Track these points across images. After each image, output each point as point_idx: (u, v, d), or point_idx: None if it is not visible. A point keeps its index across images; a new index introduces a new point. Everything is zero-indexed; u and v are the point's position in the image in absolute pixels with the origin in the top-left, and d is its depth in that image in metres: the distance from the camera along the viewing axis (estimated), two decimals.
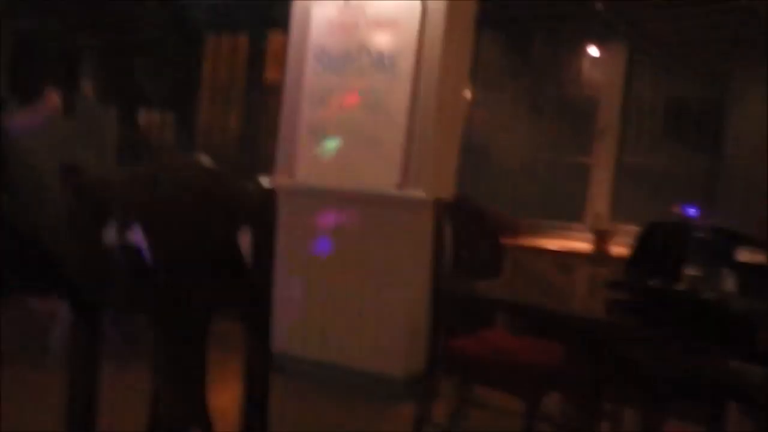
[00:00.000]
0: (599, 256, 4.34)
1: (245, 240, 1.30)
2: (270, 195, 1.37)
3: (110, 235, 1.17)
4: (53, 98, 3.54)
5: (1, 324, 3.52)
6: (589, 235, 4.55)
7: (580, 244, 4.57)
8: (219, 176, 1.36)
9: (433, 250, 2.39)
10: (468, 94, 4.69)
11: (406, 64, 3.52)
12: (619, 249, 4.12)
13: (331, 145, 3.69)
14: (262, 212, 1.34)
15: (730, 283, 1.93)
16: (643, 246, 2.27)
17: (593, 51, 5.10)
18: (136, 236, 1.20)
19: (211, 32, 5.93)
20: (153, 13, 5.75)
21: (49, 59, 3.79)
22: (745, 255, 1.98)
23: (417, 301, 3.30)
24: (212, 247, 1.29)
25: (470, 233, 2.55)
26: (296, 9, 3.84)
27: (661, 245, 2.22)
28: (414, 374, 3.31)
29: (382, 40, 3.59)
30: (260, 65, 5.78)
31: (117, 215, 1.20)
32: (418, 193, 3.44)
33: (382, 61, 3.58)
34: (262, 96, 5.69)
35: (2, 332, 3.68)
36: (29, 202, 3.45)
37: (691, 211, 4.25)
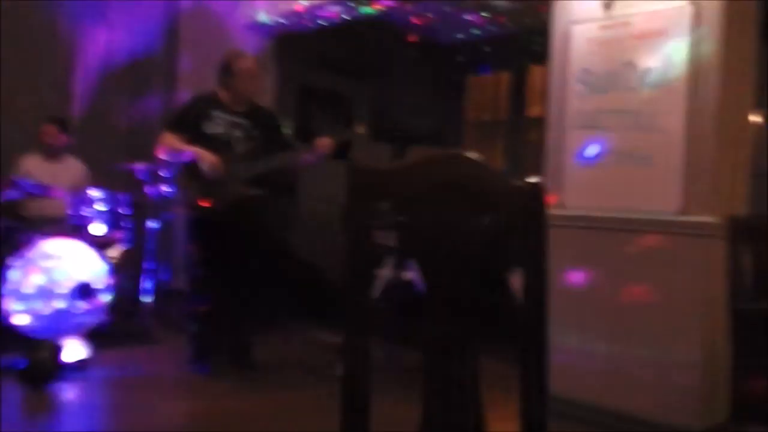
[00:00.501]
0: None
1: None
2: (539, 188, 1.29)
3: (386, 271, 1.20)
4: (329, 140, 3.94)
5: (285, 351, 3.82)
6: None
7: None
8: (486, 168, 1.33)
9: (728, 278, 2.11)
10: (757, 113, 4.17)
11: (679, 77, 3.20)
12: None
13: (601, 169, 3.49)
14: (532, 206, 1.27)
15: None
16: None
17: None
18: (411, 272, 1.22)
19: (473, 71, 6.06)
20: (418, 58, 6.03)
21: (328, 106, 4.24)
22: None
23: (712, 338, 2.95)
24: (481, 255, 1.25)
25: None
26: (556, 34, 3.74)
27: None
28: (714, 426, 2.93)
29: (649, 53, 3.32)
30: (522, 100, 5.78)
31: (387, 205, 1.24)
32: (704, 218, 3.09)
33: (651, 77, 3.31)
34: (525, 130, 5.67)
35: (287, 359, 4.02)
36: (314, 235, 3.81)
37: None
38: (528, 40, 5.08)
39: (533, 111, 5.49)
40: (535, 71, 5.48)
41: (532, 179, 1.73)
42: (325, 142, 3.96)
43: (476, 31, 5.55)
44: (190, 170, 3.94)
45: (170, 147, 3.98)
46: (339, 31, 5.72)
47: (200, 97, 4.12)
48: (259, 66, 4.02)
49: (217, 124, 3.92)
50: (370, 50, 5.90)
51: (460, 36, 5.67)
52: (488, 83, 5.93)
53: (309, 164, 4.10)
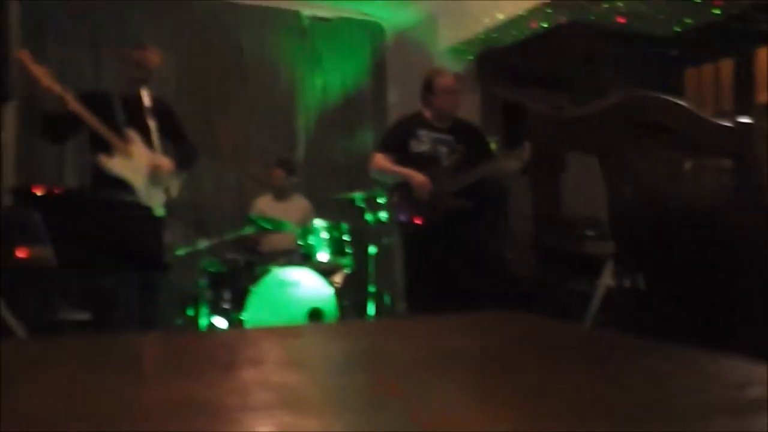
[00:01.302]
0: None
1: None
2: (750, 128, 1.15)
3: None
4: (526, 149, 3.86)
5: None
6: None
7: None
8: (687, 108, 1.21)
9: None
10: None
11: None
12: None
13: None
14: (742, 147, 1.13)
15: None
16: None
17: None
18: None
19: (690, 63, 5.61)
20: (626, 58, 5.72)
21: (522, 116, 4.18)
22: None
23: None
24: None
25: None
26: None
27: None
28: None
29: None
30: (749, 86, 5.22)
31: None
32: None
33: None
34: (755, 118, 5.10)
35: None
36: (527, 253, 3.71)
37: None
38: (754, 19, 4.61)
39: (762, 97, 4.93)
40: (762, 54, 4.93)
41: (743, 119, 1.54)
42: (527, 153, 3.90)
43: (689, 20, 5.15)
44: (401, 190, 4.06)
45: (380, 168, 4.13)
46: (540, 42, 5.62)
47: (405, 118, 4.24)
48: (458, 82, 4.04)
49: (423, 142, 4.00)
50: (574, 58, 5.72)
51: (670, 27, 5.30)
52: (708, 73, 5.44)
53: (509, 172, 4.02)
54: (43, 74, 3.45)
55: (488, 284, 4.13)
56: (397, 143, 4.09)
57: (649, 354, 0.83)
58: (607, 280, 3.40)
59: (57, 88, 3.51)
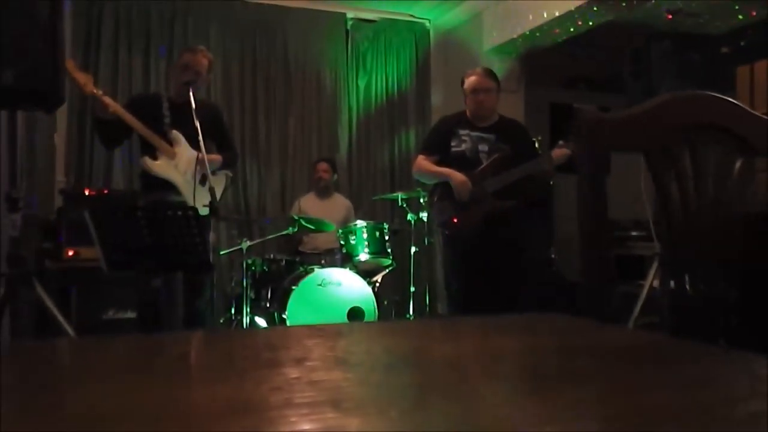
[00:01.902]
0: None
1: None
2: None
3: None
4: (565, 149, 3.83)
5: None
6: None
7: None
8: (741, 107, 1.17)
9: None
10: None
11: None
12: None
13: None
14: None
15: None
16: None
17: None
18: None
19: (743, 61, 5.47)
20: (675, 58, 5.61)
21: (568, 116, 4.09)
22: None
23: None
24: None
25: None
26: None
27: None
28: None
29: None
30: None
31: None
32: None
33: None
34: None
35: None
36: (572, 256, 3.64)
37: None
38: None
39: None
40: None
41: None
42: (559, 152, 3.82)
43: (741, 17, 5.02)
44: (442, 191, 4.04)
45: (421, 169, 4.12)
46: (587, 41, 5.55)
47: (448, 118, 4.21)
48: (488, 81, 3.98)
49: (464, 142, 3.97)
50: (620, 58, 5.62)
51: (721, 25, 5.17)
52: (760, 70, 5.29)
53: (550, 172, 3.95)
54: (86, 81, 3.55)
55: (531, 285, 4.08)
56: (438, 143, 4.07)
57: (704, 357, 0.80)
58: (652, 281, 3.34)
59: (99, 93, 3.61)
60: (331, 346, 0.87)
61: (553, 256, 5.78)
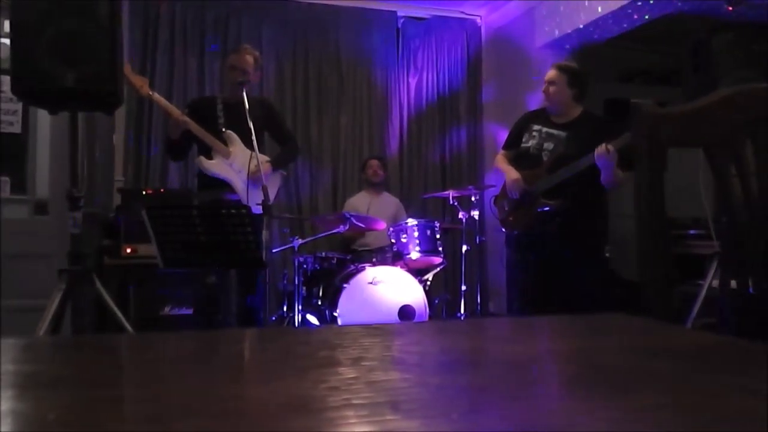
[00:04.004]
0: None
1: None
2: None
3: None
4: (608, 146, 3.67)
5: None
6: None
7: None
8: None
9: None
10: None
11: None
12: None
13: None
14: None
15: None
16: None
17: None
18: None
19: None
20: (738, 48, 5.43)
21: (624, 112, 3.97)
22: None
23: None
24: None
25: None
26: None
27: None
28: None
29: None
30: None
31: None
32: None
33: None
34: None
35: None
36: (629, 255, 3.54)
37: None
38: None
39: None
40: None
41: None
42: (600, 150, 3.65)
43: None
44: (503, 188, 4.01)
45: (496, 165, 4.11)
46: (643, 35, 5.42)
47: (530, 112, 4.16)
48: (554, 72, 3.89)
49: (533, 137, 3.89)
50: (678, 51, 5.47)
51: None
52: None
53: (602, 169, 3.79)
54: (142, 84, 3.67)
55: (587, 285, 4.00)
56: (514, 139, 4.04)
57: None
58: (711, 281, 3.25)
59: (155, 96, 3.74)
60: (388, 345, 0.86)
61: (608, 254, 5.67)
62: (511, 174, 3.85)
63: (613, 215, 5.79)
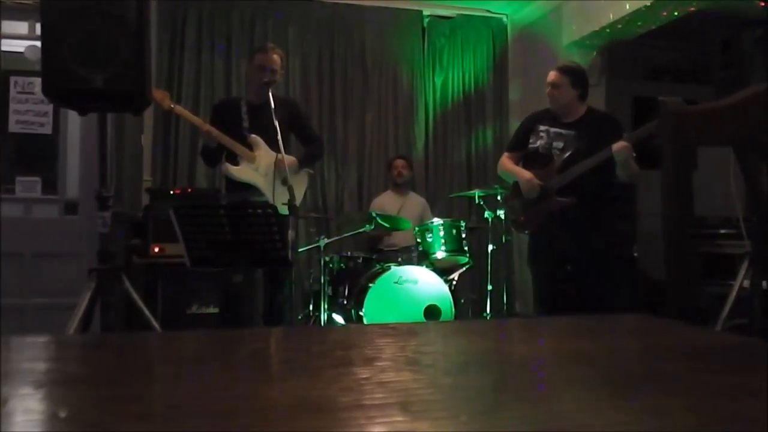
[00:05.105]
0: None
1: None
2: None
3: None
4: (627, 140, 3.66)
5: None
6: None
7: None
8: None
9: None
10: None
11: None
12: None
13: None
14: None
15: None
16: None
17: None
18: None
19: None
20: None
21: (652, 110, 3.90)
22: None
23: None
24: None
25: None
26: None
27: None
28: None
29: None
30: None
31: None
32: None
33: None
34: None
35: None
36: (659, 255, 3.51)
37: None
38: None
39: None
40: None
41: None
42: (618, 146, 3.61)
43: None
44: (513, 189, 4.00)
45: (502, 167, 4.09)
46: (672, 32, 5.35)
47: (533, 114, 4.14)
48: (556, 75, 3.87)
49: (540, 138, 3.89)
50: (707, 48, 5.41)
51: None
52: None
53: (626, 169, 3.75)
54: (163, 97, 3.75)
55: (613, 284, 3.96)
56: (520, 141, 4.02)
57: None
58: (742, 281, 3.19)
59: (177, 108, 3.86)
60: (403, 345, 0.86)
61: (636, 254, 5.61)
62: (524, 174, 3.84)
63: (643, 214, 5.73)
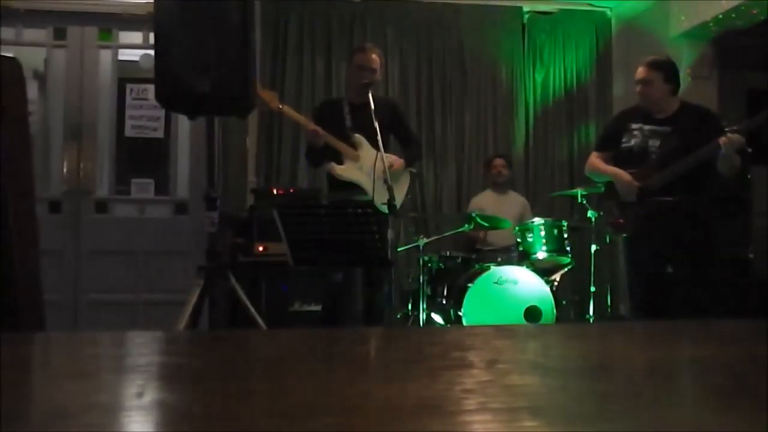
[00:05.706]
0: None
1: None
2: None
3: None
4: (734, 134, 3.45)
5: None
6: None
7: None
8: None
9: None
10: None
11: None
12: None
13: None
14: None
15: None
16: None
17: None
18: None
19: None
20: None
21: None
22: None
23: None
24: None
25: None
26: None
27: None
28: None
29: None
30: None
31: None
32: None
33: None
34: None
35: None
36: None
37: None
38: None
39: None
40: None
41: None
42: (725, 140, 3.40)
43: None
44: (608, 190, 3.85)
45: (592, 168, 3.95)
46: None
47: (624, 111, 3.98)
48: (645, 71, 3.68)
49: (634, 137, 3.72)
50: None
51: None
52: None
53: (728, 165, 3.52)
54: (272, 98, 3.83)
55: (725, 288, 3.76)
56: (610, 140, 3.87)
57: None
58: None
59: (285, 108, 3.91)
60: (522, 348, 0.84)
61: (751, 255, 5.30)
62: (623, 176, 3.68)
63: (758, 214, 5.41)
